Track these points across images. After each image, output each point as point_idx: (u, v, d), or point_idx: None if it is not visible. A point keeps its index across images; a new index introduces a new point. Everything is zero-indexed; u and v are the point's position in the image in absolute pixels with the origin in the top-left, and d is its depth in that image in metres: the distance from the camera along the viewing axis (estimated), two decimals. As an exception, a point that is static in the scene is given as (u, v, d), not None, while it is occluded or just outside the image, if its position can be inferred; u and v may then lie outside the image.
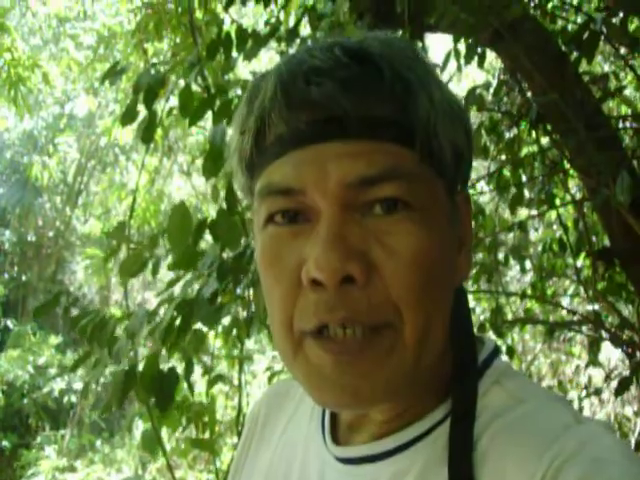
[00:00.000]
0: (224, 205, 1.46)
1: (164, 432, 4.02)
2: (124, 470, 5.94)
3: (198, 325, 1.54)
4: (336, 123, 0.59)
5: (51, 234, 9.85)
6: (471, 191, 2.66)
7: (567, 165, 2.37)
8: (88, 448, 6.92)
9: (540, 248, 3.15)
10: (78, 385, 7.24)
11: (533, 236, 3.70)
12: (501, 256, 2.79)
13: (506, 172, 2.53)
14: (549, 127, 2.19)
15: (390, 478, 0.65)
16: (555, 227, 3.52)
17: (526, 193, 2.59)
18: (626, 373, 2.90)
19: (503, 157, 2.55)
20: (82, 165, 9.59)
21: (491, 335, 2.66)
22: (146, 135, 1.77)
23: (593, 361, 2.82)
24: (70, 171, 9.68)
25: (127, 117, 1.79)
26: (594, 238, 2.72)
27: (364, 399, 0.60)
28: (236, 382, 3.48)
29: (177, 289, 1.61)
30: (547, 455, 0.59)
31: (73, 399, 7.59)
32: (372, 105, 0.60)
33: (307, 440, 0.75)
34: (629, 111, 2.86)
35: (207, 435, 3.47)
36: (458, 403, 0.66)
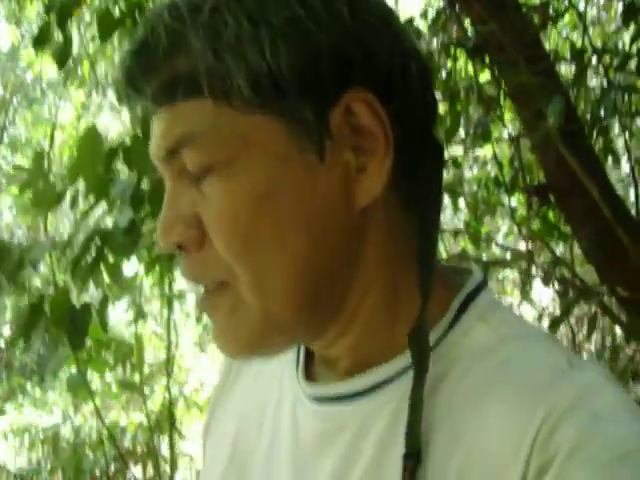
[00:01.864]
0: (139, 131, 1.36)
1: (94, 374, 3.96)
2: (55, 413, 5.85)
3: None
4: (164, 89, 0.57)
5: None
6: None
7: (504, 100, 2.32)
8: (18, 391, 6.79)
9: (475, 186, 3.12)
10: (6, 330, 7.07)
11: (468, 175, 3.68)
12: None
13: (441, 107, 2.48)
14: (487, 59, 2.13)
15: (359, 420, 0.61)
16: (490, 167, 3.50)
17: (462, 131, 2.55)
18: (557, 312, 2.93)
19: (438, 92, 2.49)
20: (7, 101, 9.21)
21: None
22: (60, 58, 1.65)
23: (525, 297, 2.83)
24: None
25: (40, 40, 1.66)
26: (529, 177, 2.70)
27: (233, 353, 0.61)
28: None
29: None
30: (539, 410, 0.54)
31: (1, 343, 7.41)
32: (159, 66, 0.56)
33: (283, 375, 0.71)
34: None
35: (137, 376, 3.42)
36: (412, 351, 0.60)
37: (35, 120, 8.38)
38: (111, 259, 1.46)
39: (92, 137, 1.27)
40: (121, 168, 1.49)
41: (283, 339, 0.61)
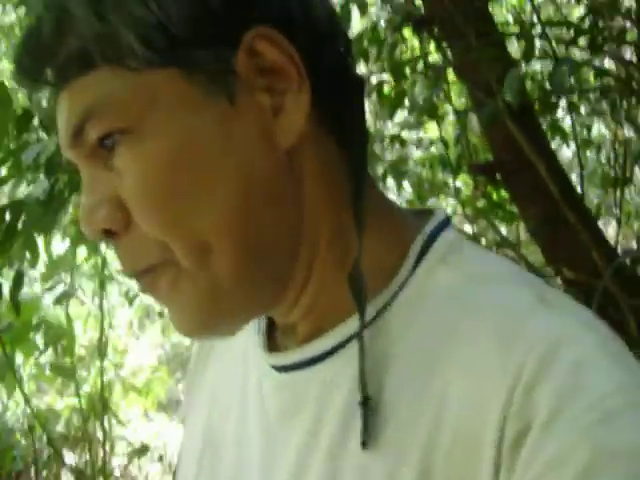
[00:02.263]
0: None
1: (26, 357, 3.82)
2: (-13, 397, 5.66)
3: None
4: (58, 72, 0.55)
5: None
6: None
7: (452, 75, 2.27)
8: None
9: (419, 167, 3.08)
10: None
11: (414, 154, 3.64)
12: (379, 172, 2.69)
13: (386, 84, 2.41)
14: (435, 32, 2.07)
15: (319, 388, 0.58)
16: (435, 147, 3.46)
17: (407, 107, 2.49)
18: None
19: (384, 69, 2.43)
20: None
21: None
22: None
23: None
24: None
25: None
26: (475, 157, 2.66)
27: (187, 331, 0.58)
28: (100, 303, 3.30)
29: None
30: (509, 364, 0.49)
31: None
32: (50, 51, 0.54)
33: (247, 348, 0.69)
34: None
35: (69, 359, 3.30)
36: (353, 295, 0.57)
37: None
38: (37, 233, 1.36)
39: (1, 96, 1.15)
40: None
41: (236, 308, 0.58)
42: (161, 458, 4.69)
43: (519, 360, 0.49)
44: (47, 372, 4.08)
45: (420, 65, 2.35)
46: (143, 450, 3.66)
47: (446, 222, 0.61)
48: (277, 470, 0.59)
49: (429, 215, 0.62)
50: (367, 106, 2.99)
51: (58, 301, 1.97)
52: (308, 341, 0.60)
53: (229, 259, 0.55)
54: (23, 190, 1.47)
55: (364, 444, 0.53)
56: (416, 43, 2.46)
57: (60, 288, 2.47)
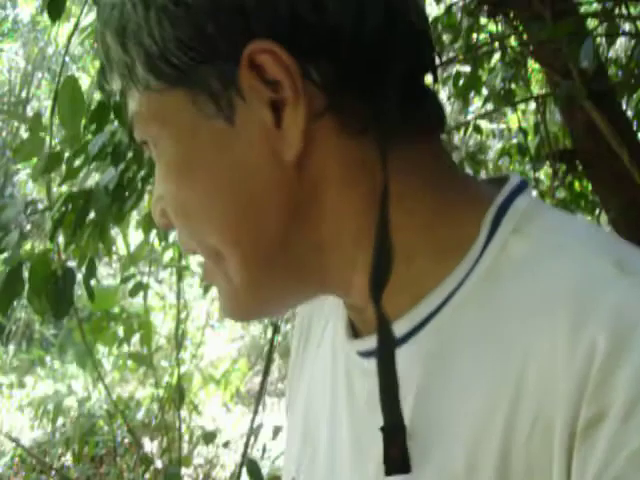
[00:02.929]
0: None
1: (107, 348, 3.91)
2: (73, 385, 5.85)
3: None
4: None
5: (-2, 146, 9.52)
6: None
7: (530, 60, 2.20)
8: (37, 364, 6.83)
9: (497, 156, 3.01)
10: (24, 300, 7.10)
11: (493, 144, 3.57)
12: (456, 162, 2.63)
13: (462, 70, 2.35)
14: (511, 15, 2.00)
15: (404, 367, 0.55)
16: (514, 136, 3.37)
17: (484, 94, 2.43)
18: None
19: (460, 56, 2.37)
20: (29, 74, 9.21)
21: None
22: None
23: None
24: (17, 81, 9.33)
25: (54, 7, 1.55)
26: (555, 145, 2.58)
27: (228, 317, 0.63)
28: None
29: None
30: (583, 344, 0.46)
31: (23, 314, 7.46)
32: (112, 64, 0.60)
33: (336, 334, 0.69)
34: None
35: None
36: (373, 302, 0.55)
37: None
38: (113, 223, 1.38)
39: (70, 87, 1.17)
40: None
41: (257, 303, 0.61)
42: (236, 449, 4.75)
43: (591, 340, 0.46)
44: (128, 362, 4.17)
45: (496, 51, 2.29)
46: (211, 436, 3.70)
47: (521, 187, 0.58)
48: (366, 459, 0.59)
49: (504, 182, 0.59)
50: (443, 95, 2.94)
51: (133, 292, 2.01)
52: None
53: (237, 266, 0.58)
54: (95, 180, 1.50)
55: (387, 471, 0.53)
56: (492, 27, 2.39)
57: (137, 279, 2.51)
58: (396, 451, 0.52)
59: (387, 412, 0.53)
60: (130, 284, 2.46)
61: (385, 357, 0.54)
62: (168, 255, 3.03)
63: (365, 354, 0.61)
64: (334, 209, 0.57)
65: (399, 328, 0.57)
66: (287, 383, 0.82)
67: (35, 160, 1.51)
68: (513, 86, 2.34)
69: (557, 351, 0.47)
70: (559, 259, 0.52)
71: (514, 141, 3.22)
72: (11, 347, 7.29)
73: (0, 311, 1.29)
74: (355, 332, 0.65)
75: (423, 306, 0.56)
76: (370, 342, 0.59)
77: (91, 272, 1.40)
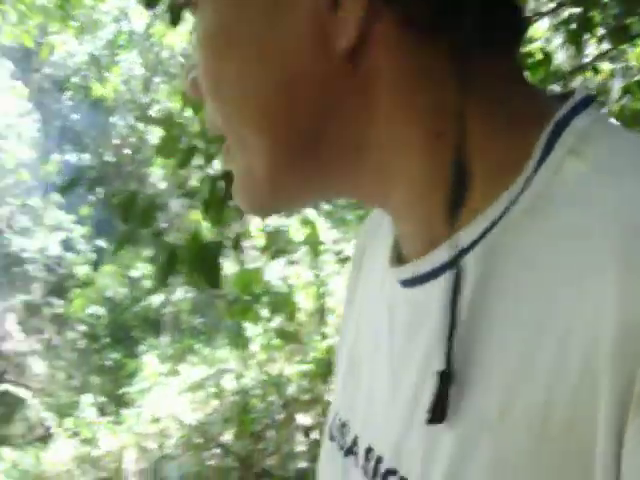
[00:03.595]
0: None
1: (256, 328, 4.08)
2: (224, 369, 6.12)
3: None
4: None
5: (128, 152, 10.00)
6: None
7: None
8: (189, 352, 7.18)
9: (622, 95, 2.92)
10: (175, 296, 7.47)
11: (615, 85, 3.45)
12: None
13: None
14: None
15: (437, 303, 0.52)
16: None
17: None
18: None
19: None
20: (148, 79, 9.61)
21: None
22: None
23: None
24: (137, 87, 9.75)
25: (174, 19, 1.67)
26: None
27: (241, 205, 0.59)
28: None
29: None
30: (629, 294, 0.41)
31: (172, 308, 7.85)
32: None
33: (383, 266, 0.65)
34: None
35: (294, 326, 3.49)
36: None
37: (175, 93, 8.70)
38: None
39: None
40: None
41: (272, 194, 0.57)
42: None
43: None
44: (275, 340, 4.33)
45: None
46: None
47: (585, 103, 0.51)
48: (401, 389, 0.56)
49: (569, 97, 0.52)
50: (556, 41, 2.89)
51: (275, 255, 2.10)
52: (423, 254, 0.54)
53: (262, 154, 0.54)
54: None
55: (431, 419, 0.49)
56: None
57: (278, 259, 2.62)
58: (439, 398, 0.49)
59: (445, 353, 0.48)
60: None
61: (451, 297, 0.49)
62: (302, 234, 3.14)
63: (407, 283, 0.57)
64: (383, 114, 0.52)
65: (436, 258, 0.53)
66: (341, 319, 0.78)
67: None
68: (629, 21, 2.28)
69: (603, 297, 0.42)
70: (619, 187, 0.45)
71: (636, 78, 3.11)
72: (165, 339, 7.71)
73: (160, 284, 1.43)
74: (400, 258, 0.60)
75: (465, 233, 0.51)
76: (411, 269, 0.56)
77: (237, 244, 1.52)
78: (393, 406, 0.57)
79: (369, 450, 0.60)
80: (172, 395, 5.80)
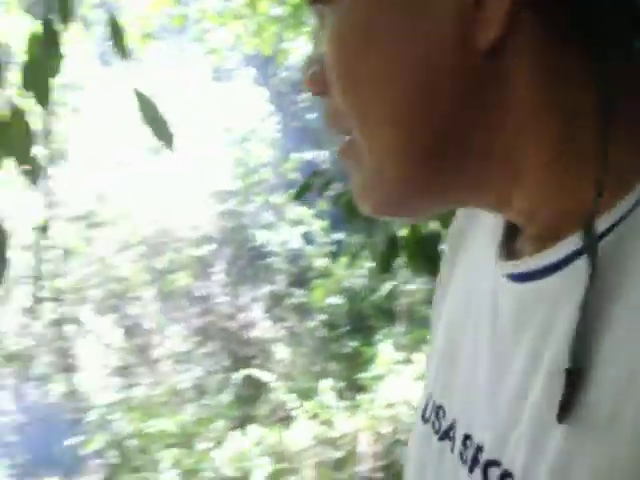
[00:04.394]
0: None
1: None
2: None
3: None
4: None
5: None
6: None
7: None
8: (422, 342, 7.28)
9: None
10: (409, 286, 7.63)
11: None
12: None
13: None
14: None
15: (548, 302, 0.53)
16: None
17: None
18: None
19: None
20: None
21: None
22: None
23: None
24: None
25: None
26: None
27: (363, 207, 0.58)
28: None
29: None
30: None
31: (406, 299, 8.01)
32: None
33: (486, 257, 0.65)
34: None
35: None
36: (584, 234, 0.50)
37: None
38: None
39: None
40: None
41: (398, 196, 0.57)
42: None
43: None
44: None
45: None
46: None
47: None
48: (506, 380, 0.56)
49: None
50: None
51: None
52: (540, 249, 0.55)
53: (392, 150, 0.53)
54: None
55: (561, 417, 0.47)
56: None
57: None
58: (568, 396, 0.47)
59: (576, 352, 0.47)
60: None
61: (587, 295, 0.48)
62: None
63: (515, 277, 0.57)
64: (518, 113, 0.52)
65: (555, 253, 0.53)
66: (433, 301, 0.78)
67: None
68: None
69: None
70: None
71: None
72: (400, 328, 7.89)
73: (382, 271, 1.56)
74: (508, 255, 0.61)
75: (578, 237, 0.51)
76: (524, 265, 0.56)
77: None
78: (496, 396, 0.57)
79: (467, 437, 0.60)
80: (406, 382, 5.94)
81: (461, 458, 0.60)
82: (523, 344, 0.55)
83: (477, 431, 0.59)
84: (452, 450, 0.62)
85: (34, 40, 1.79)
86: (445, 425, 0.65)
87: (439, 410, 0.67)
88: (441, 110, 0.52)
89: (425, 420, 0.69)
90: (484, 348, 0.61)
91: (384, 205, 0.58)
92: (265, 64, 9.49)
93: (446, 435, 0.64)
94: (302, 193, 2.40)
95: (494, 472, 0.54)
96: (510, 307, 0.58)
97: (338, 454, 5.72)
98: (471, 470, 0.57)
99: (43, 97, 1.85)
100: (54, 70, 1.87)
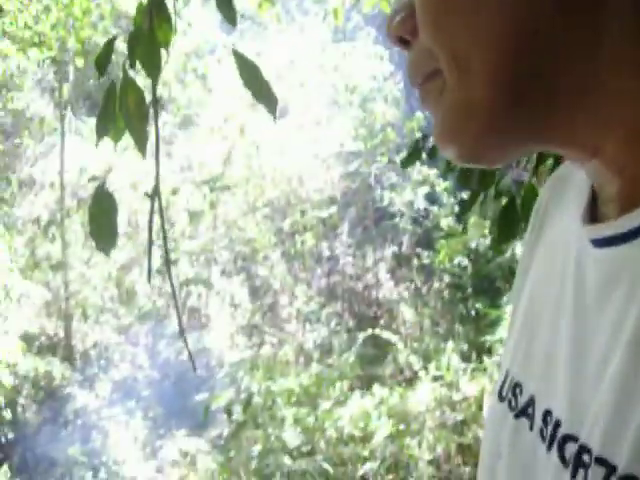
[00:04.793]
0: None
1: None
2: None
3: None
4: None
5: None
6: None
7: None
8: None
9: None
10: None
11: None
12: None
13: None
14: None
15: (634, 266, 0.51)
16: None
17: None
18: None
19: None
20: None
21: None
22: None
23: None
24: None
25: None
26: None
27: (442, 145, 0.56)
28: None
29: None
30: None
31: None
32: None
33: (570, 228, 0.64)
34: None
35: None
36: None
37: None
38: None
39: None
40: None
41: (485, 134, 0.54)
42: None
43: None
44: None
45: None
46: None
47: None
48: (586, 354, 0.55)
49: None
50: None
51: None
52: (626, 211, 0.52)
53: (484, 83, 0.52)
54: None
55: None
56: None
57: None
58: None
59: None
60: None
61: None
62: None
63: (600, 242, 0.55)
64: (610, 62, 0.50)
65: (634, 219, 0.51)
66: (517, 273, 0.76)
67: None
68: None
69: None
70: None
71: None
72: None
73: (504, 241, 1.52)
74: (593, 218, 0.58)
75: None
76: (608, 229, 0.54)
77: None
78: (578, 368, 0.56)
79: (547, 413, 0.59)
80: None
81: (541, 435, 0.58)
82: (607, 314, 0.53)
83: (556, 405, 0.57)
84: (531, 427, 0.60)
85: (141, 11, 1.82)
86: (522, 402, 0.63)
87: (516, 387, 0.65)
88: (533, 47, 0.50)
89: (501, 398, 0.67)
90: (566, 320, 0.59)
91: (470, 147, 0.55)
92: (384, 23, 9.35)
93: (523, 412, 0.62)
94: (411, 160, 2.34)
95: (571, 448, 0.52)
96: (594, 276, 0.56)
97: (459, 416, 5.71)
98: (549, 447, 0.55)
99: (153, 69, 1.88)
100: (164, 42, 1.89)
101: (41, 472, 7.18)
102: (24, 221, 8.75)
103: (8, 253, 7.70)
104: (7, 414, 7.02)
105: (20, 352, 7.23)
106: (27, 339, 7.62)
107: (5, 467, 6.78)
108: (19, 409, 7.29)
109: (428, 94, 0.56)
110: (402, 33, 0.56)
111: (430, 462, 5.73)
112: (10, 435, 7.08)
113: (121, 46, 2.18)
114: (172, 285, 1.83)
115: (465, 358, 6.84)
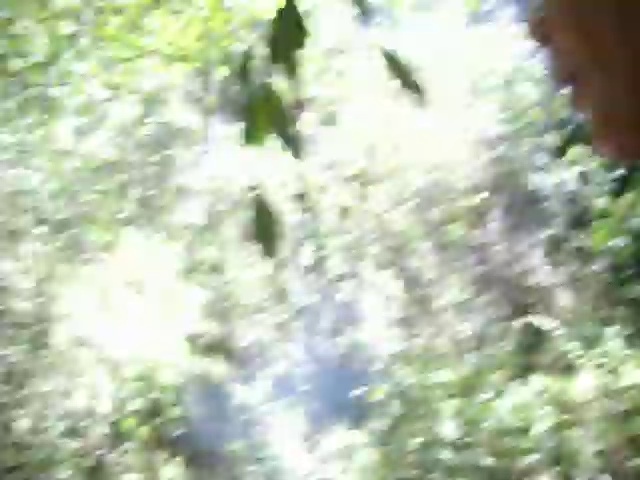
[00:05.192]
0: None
1: None
2: None
3: None
4: None
5: None
6: None
7: None
8: None
9: None
10: None
11: None
12: None
13: None
14: None
15: None
16: None
17: None
18: None
19: None
20: None
21: None
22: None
23: None
24: None
25: None
26: None
27: (602, 152, 0.54)
28: None
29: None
30: None
31: None
32: None
33: None
34: None
35: None
36: None
37: None
38: None
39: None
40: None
41: None
42: None
43: None
44: None
45: None
46: None
47: None
48: None
49: None
50: None
51: None
52: None
53: (630, 81, 0.50)
54: None
55: None
56: None
57: None
58: None
59: None
60: None
61: None
62: None
63: None
64: None
65: None
66: None
67: None
68: None
69: None
70: None
71: None
72: None
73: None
74: None
75: None
76: None
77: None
78: None
79: None
80: None
81: None
82: None
83: None
84: None
85: (279, 14, 1.87)
86: None
87: None
88: None
89: None
90: None
91: (622, 144, 0.53)
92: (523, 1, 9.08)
93: None
94: (565, 150, 2.26)
95: None
96: None
97: (623, 407, 5.44)
98: None
99: (291, 70, 1.92)
100: (299, 43, 1.93)
101: (207, 466, 7.50)
102: (179, 227, 9.15)
103: (170, 258, 8.10)
104: (176, 411, 7.39)
105: (185, 352, 7.59)
106: (190, 340, 7.98)
107: (178, 459, 7.16)
108: (186, 407, 7.65)
109: (578, 98, 0.55)
110: (539, 34, 0.55)
111: (597, 454, 5.51)
112: (179, 431, 7.44)
113: (260, 51, 2.24)
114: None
115: (629, 343, 6.52)
